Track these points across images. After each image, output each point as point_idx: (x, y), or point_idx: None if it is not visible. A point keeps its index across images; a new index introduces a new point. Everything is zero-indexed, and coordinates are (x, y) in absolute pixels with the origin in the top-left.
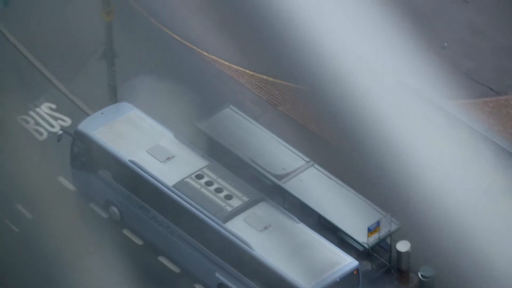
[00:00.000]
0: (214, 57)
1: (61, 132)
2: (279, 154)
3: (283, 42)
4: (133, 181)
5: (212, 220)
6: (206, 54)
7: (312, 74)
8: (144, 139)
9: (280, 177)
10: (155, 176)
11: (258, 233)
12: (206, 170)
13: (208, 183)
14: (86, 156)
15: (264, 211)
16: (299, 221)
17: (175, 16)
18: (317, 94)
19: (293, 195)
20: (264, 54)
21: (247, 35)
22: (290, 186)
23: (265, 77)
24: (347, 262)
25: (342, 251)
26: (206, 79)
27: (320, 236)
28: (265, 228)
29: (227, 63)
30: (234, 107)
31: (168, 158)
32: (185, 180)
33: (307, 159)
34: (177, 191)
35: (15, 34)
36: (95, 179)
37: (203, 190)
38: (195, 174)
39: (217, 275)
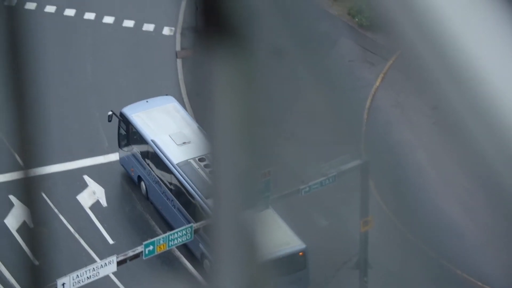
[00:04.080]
0: (468, 277)
1: (110, 112)
2: None
3: None
4: (153, 159)
5: (199, 196)
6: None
7: None
8: (171, 125)
9: None
10: (167, 155)
11: None
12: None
13: (207, 166)
14: (126, 135)
15: None
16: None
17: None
18: None
19: None
20: None
21: None
22: None
23: None
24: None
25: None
26: None
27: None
28: None
29: (479, 283)
30: None
31: (184, 143)
32: (188, 160)
33: None
34: (179, 169)
35: None
36: (132, 157)
37: (200, 170)
38: (199, 157)
39: (200, 245)
